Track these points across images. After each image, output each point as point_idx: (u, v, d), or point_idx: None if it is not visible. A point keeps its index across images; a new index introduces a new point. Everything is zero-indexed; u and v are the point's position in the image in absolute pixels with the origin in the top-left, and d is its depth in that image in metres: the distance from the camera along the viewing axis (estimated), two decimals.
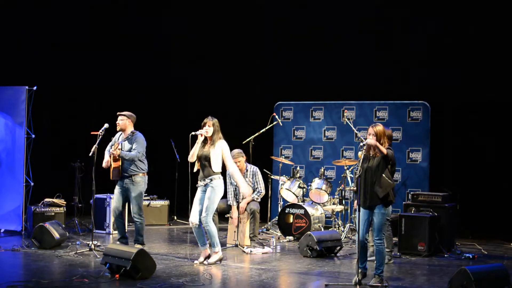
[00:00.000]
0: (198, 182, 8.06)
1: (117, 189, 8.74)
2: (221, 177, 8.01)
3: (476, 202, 11.13)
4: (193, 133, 7.99)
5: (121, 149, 8.64)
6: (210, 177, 7.91)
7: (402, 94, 11.63)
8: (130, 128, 8.80)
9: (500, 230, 10.81)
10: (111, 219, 10.26)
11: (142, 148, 8.71)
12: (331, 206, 10.34)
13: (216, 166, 7.93)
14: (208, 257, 8.04)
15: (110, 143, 8.86)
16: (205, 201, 7.92)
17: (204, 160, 7.95)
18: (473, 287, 6.35)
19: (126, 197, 8.74)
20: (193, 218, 7.98)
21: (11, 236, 9.85)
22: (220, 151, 7.95)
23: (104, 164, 8.70)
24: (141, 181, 8.71)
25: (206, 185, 7.95)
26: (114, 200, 8.79)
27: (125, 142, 8.71)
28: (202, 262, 7.98)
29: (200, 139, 7.96)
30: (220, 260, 8.05)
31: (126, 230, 8.94)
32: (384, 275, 7.08)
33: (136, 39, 13.75)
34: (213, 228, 7.97)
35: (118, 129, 8.77)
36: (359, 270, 6.94)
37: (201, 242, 8.07)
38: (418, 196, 9.48)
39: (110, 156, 8.63)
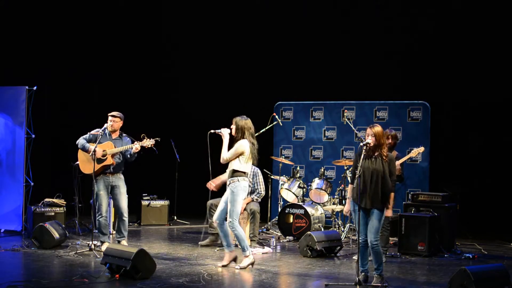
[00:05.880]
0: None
1: (102, 189, 8.63)
2: (243, 179, 7.69)
3: (476, 202, 11.13)
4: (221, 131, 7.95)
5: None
6: (230, 178, 7.72)
7: (402, 94, 11.63)
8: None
9: (500, 230, 10.82)
10: (111, 219, 10.25)
11: None
12: (331, 206, 10.34)
13: (235, 165, 7.67)
14: (235, 259, 7.82)
15: (86, 137, 8.73)
16: (228, 205, 7.69)
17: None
18: (473, 287, 6.35)
19: (108, 195, 8.81)
20: (214, 216, 7.92)
21: (11, 236, 9.85)
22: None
23: (100, 154, 8.50)
24: (123, 178, 8.80)
25: (229, 185, 7.76)
26: (102, 200, 8.62)
27: (114, 141, 8.73)
28: (226, 266, 7.79)
29: (225, 138, 7.80)
30: (252, 264, 7.76)
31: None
32: (384, 275, 7.07)
33: (136, 39, 13.76)
34: (240, 232, 7.70)
35: (110, 130, 8.75)
36: (362, 273, 6.93)
37: (225, 243, 7.84)
38: (418, 196, 9.47)
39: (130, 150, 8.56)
